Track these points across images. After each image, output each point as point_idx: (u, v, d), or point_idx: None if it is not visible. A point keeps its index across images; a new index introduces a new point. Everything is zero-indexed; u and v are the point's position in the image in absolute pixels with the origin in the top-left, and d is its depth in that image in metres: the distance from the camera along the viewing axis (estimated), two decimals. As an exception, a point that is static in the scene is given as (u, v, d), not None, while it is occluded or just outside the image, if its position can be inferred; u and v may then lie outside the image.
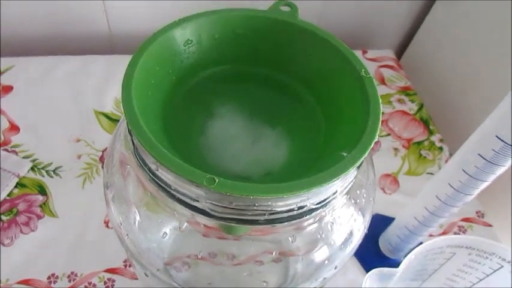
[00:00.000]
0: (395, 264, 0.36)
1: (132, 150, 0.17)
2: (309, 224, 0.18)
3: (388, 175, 0.42)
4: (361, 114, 0.17)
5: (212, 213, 0.15)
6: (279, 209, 0.15)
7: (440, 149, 0.45)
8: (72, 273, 0.34)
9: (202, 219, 0.17)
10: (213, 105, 0.20)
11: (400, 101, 0.49)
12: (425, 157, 0.44)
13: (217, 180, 0.14)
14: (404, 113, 0.47)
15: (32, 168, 0.39)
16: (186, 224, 0.17)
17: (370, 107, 0.17)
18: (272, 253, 0.22)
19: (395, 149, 0.44)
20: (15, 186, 0.38)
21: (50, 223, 0.36)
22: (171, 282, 0.19)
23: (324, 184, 0.14)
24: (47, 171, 0.39)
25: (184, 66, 0.19)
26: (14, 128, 0.41)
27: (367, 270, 0.36)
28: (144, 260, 0.19)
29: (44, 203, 0.37)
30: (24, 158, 0.40)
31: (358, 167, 0.17)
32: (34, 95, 0.44)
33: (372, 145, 0.16)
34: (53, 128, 0.42)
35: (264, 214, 0.15)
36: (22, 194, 0.38)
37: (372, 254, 0.37)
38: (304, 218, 0.16)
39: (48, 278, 0.34)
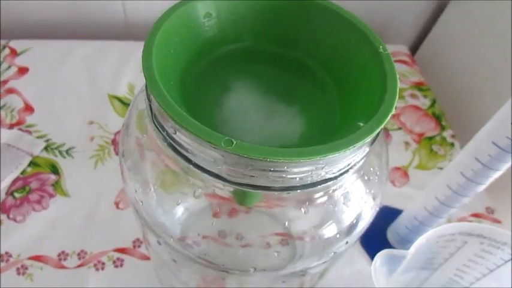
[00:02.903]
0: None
1: (149, 116, 0.17)
2: (321, 196, 0.18)
3: (398, 168, 0.42)
4: (378, 89, 0.17)
5: (228, 178, 0.15)
6: (293, 176, 0.15)
7: (452, 144, 0.45)
8: (82, 251, 0.34)
9: (217, 189, 0.17)
10: (229, 81, 0.20)
11: (412, 96, 0.48)
12: (436, 152, 0.44)
13: (235, 142, 0.14)
14: (416, 107, 0.47)
15: (46, 148, 0.40)
16: (200, 190, 0.18)
17: (387, 82, 0.17)
18: (280, 233, 0.22)
19: (406, 143, 0.44)
20: (29, 165, 0.39)
21: (61, 202, 0.37)
22: (184, 252, 0.19)
23: (341, 151, 0.14)
24: (59, 152, 0.40)
25: (203, 40, 0.19)
26: (29, 108, 0.42)
27: (375, 260, 0.36)
28: (158, 230, 0.19)
29: (56, 182, 0.38)
30: (37, 138, 0.40)
31: (373, 142, 0.17)
32: (49, 77, 0.45)
33: (389, 117, 0.16)
34: (67, 110, 0.42)
35: (279, 181, 0.15)
36: (35, 173, 0.38)
37: (379, 245, 0.36)
38: (318, 187, 0.16)
39: (59, 255, 0.34)
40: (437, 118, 0.47)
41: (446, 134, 0.46)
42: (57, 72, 0.45)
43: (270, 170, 0.15)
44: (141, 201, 0.19)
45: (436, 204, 0.30)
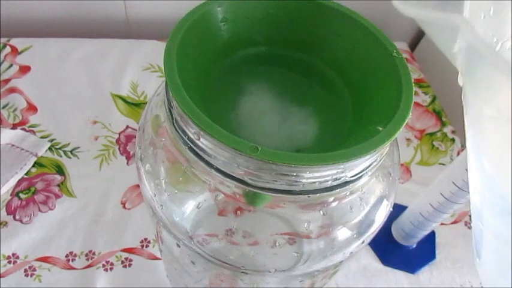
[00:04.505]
0: (407, 250, 0.37)
1: (170, 121, 0.17)
2: (338, 198, 0.18)
3: (400, 165, 0.43)
4: (393, 92, 0.18)
5: (250, 182, 0.16)
6: (314, 180, 0.16)
7: (453, 140, 0.45)
8: (90, 251, 0.35)
9: (237, 189, 0.18)
10: (245, 85, 0.20)
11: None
12: (437, 148, 0.45)
13: (260, 149, 0.14)
14: (417, 104, 0.48)
15: (50, 148, 0.40)
16: (222, 195, 0.18)
17: (403, 85, 0.18)
18: (294, 233, 0.23)
19: (408, 140, 0.45)
20: (33, 166, 0.38)
21: (68, 202, 0.37)
22: (204, 254, 0.20)
23: (364, 155, 0.15)
24: (64, 152, 0.40)
25: (219, 44, 0.20)
26: (32, 108, 0.42)
27: (380, 256, 0.37)
28: (177, 232, 0.20)
29: (62, 183, 0.38)
30: (42, 138, 0.40)
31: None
32: (51, 76, 0.44)
33: (407, 120, 0.16)
34: (70, 109, 0.42)
35: (300, 185, 0.16)
36: (40, 173, 0.38)
37: (384, 240, 0.37)
38: (337, 190, 0.17)
39: (67, 256, 0.34)
40: (438, 114, 0.47)
41: (447, 130, 0.46)
42: (59, 71, 0.45)
43: (293, 175, 0.15)
44: (161, 205, 0.19)
45: (441, 201, 0.31)
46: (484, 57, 0.11)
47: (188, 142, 0.16)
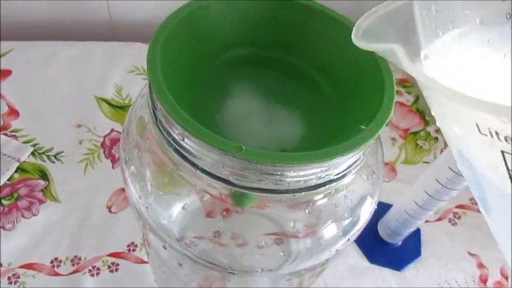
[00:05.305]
0: (393, 248, 0.37)
1: (154, 123, 0.17)
2: (322, 197, 0.18)
3: (386, 164, 0.43)
4: (376, 91, 0.18)
5: (235, 182, 0.16)
6: (299, 179, 0.16)
7: (436, 139, 0.46)
8: (75, 257, 0.34)
9: (223, 189, 0.18)
10: (230, 86, 0.20)
11: (397, 92, 0.49)
12: (421, 147, 0.45)
13: (244, 148, 0.14)
14: (401, 104, 0.49)
15: (33, 153, 0.39)
16: (208, 196, 0.18)
17: (385, 85, 0.18)
18: (281, 233, 0.23)
19: (393, 139, 0.45)
20: (16, 171, 0.38)
21: (52, 208, 0.36)
22: (190, 255, 0.19)
23: (347, 153, 0.15)
24: (48, 156, 0.39)
25: (205, 46, 0.20)
26: (14, 112, 0.41)
27: (367, 255, 0.37)
28: (163, 234, 0.20)
29: (46, 188, 0.37)
30: (24, 142, 0.39)
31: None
32: (34, 79, 0.44)
33: (389, 118, 0.16)
34: (54, 113, 0.42)
35: (285, 184, 0.16)
36: (23, 179, 0.38)
37: (371, 238, 0.37)
38: (321, 189, 0.17)
39: (52, 262, 0.34)
40: (421, 113, 0.48)
41: (430, 129, 0.47)
42: (41, 74, 0.44)
43: (278, 174, 0.15)
44: (147, 207, 0.19)
45: (425, 198, 0.31)
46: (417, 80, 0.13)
47: (173, 143, 0.16)
